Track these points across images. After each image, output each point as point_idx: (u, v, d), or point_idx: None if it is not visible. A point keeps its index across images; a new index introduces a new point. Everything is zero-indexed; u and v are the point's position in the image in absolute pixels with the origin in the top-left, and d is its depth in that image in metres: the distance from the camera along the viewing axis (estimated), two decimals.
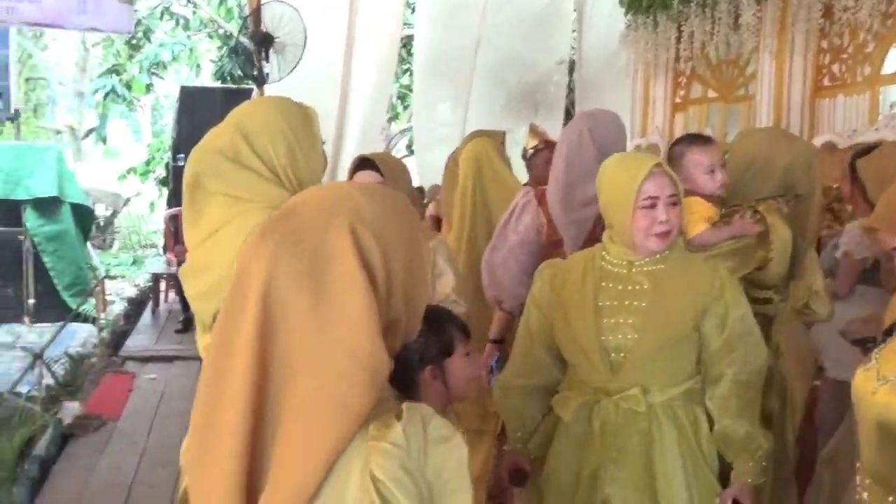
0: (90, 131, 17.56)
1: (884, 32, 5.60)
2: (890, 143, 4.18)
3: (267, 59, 7.91)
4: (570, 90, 10.18)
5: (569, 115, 10.22)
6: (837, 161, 5.43)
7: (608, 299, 2.32)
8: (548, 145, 4.28)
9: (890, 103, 5.66)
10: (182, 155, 10.70)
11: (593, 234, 2.96)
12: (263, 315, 1.13)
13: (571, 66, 10.05)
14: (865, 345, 2.23)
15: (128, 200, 15.73)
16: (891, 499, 1.40)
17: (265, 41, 7.80)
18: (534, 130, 4.78)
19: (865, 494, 1.48)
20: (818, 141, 5.86)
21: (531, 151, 4.43)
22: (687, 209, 2.58)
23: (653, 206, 2.24)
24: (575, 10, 9.90)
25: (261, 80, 7.98)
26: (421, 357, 1.98)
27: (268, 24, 7.81)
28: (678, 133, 8.10)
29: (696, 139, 3.07)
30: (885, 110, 5.78)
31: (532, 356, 2.49)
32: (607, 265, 2.35)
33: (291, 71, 7.78)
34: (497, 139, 4.40)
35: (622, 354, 2.27)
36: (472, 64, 9.80)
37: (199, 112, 10.58)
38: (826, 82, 6.25)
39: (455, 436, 1.19)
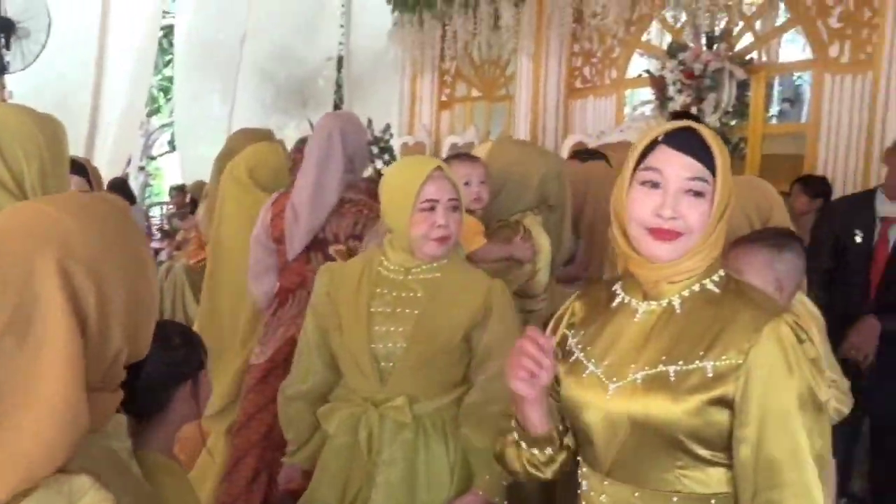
0: None
1: (628, 39, 6.02)
2: None
3: (8, 46, 7.27)
4: (339, 86, 10.18)
5: (337, 110, 10.21)
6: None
7: (381, 306, 2.24)
8: None
9: (633, 105, 6.06)
10: None
11: (315, 239, 3.05)
12: None
13: (340, 62, 10.04)
14: None
15: None
16: (636, 493, 1.46)
17: (6, 27, 7.17)
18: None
19: (603, 497, 1.52)
20: (570, 141, 6.22)
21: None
22: (469, 227, 2.63)
23: (432, 210, 2.20)
24: (343, 6, 9.90)
25: (1, 69, 7.33)
26: (183, 371, 1.86)
27: (7, 8, 7.20)
28: (445, 131, 8.33)
29: (459, 156, 3.17)
30: (629, 112, 6.19)
31: (308, 362, 2.39)
32: (384, 271, 2.28)
33: (35, 59, 7.21)
34: (268, 138, 4.26)
35: (391, 363, 2.21)
36: (238, 56, 9.55)
37: None
38: (578, 84, 6.64)
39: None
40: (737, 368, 1.36)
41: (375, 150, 8.63)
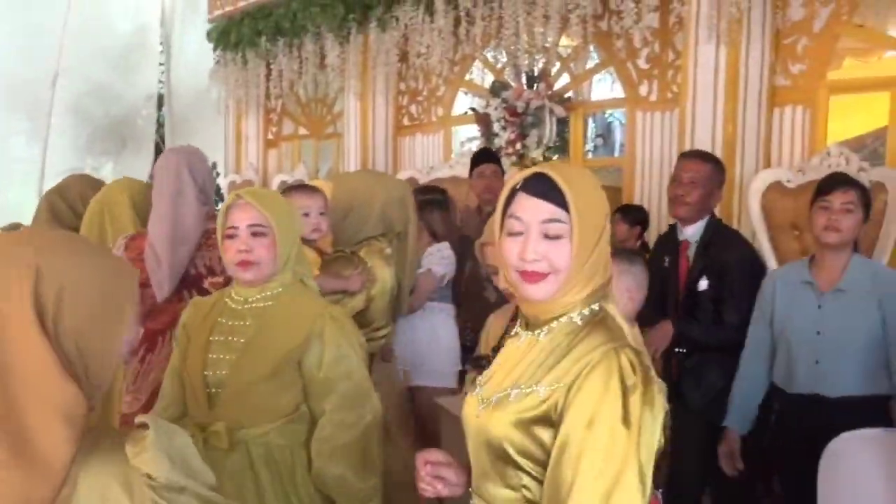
0: None
1: (452, 78, 6.20)
2: None
3: None
4: (160, 125, 9.88)
5: (158, 150, 9.90)
6: None
7: (218, 334, 2.30)
8: None
9: (460, 142, 6.24)
10: None
11: (186, 276, 2.94)
12: None
13: (160, 101, 9.76)
14: (480, 363, 2.31)
15: None
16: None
17: None
18: None
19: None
20: (402, 176, 6.30)
21: None
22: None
23: (232, 237, 2.25)
24: (162, 44, 9.65)
25: None
26: None
27: None
28: (272, 169, 8.25)
29: (296, 187, 3.21)
30: (457, 148, 6.36)
31: (165, 388, 2.42)
32: (230, 301, 2.34)
33: None
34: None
35: (217, 390, 2.25)
36: (50, 95, 9.10)
37: None
38: (406, 122, 6.76)
39: (179, 429, 1.27)
40: (560, 390, 1.43)
41: None
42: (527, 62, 5.44)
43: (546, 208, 1.47)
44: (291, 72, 7.27)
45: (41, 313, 1.14)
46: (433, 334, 3.77)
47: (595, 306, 1.53)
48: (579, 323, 1.51)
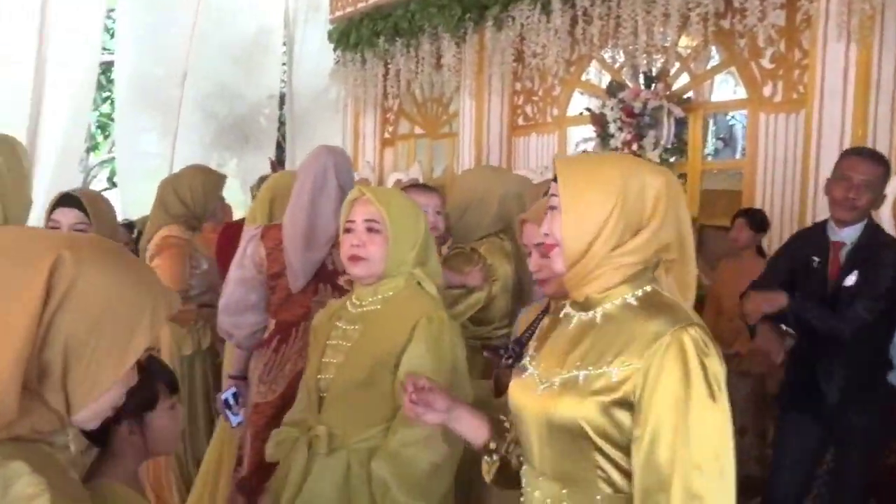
0: None
1: (568, 78, 6.13)
2: None
3: None
4: (282, 123, 10.15)
5: (280, 148, 10.17)
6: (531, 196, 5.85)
7: (334, 339, 2.30)
8: None
9: (576, 142, 6.16)
10: None
11: (323, 271, 2.96)
12: None
13: (282, 100, 10.02)
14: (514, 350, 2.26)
15: None
16: (564, 491, 1.55)
17: None
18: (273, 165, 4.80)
19: (539, 494, 1.60)
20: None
21: None
22: None
23: (350, 231, 2.25)
24: (285, 44, 9.91)
25: None
26: (117, 411, 1.83)
27: None
28: (388, 167, 8.35)
29: (415, 186, 3.19)
30: (571, 149, 6.28)
31: (300, 392, 2.44)
32: (349, 305, 2.33)
33: None
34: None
35: (324, 394, 2.25)
36: (179, 93, 9.47)
37: None
38: (521, 122, 6.73)
39: (41, 496, 1.08)
40: (636, 373, 1.45)
41: None
42: (645, 62, 5.34)
43: (553, 186, 1.61)
44: (408, 71, 7.34)
45: (47, 296, 1.10)
46: None
47: (647, 287, 1.56)
48: (636, 304, 1.55)
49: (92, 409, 1.18)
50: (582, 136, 6.08)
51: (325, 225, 2.90)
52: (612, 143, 5.42)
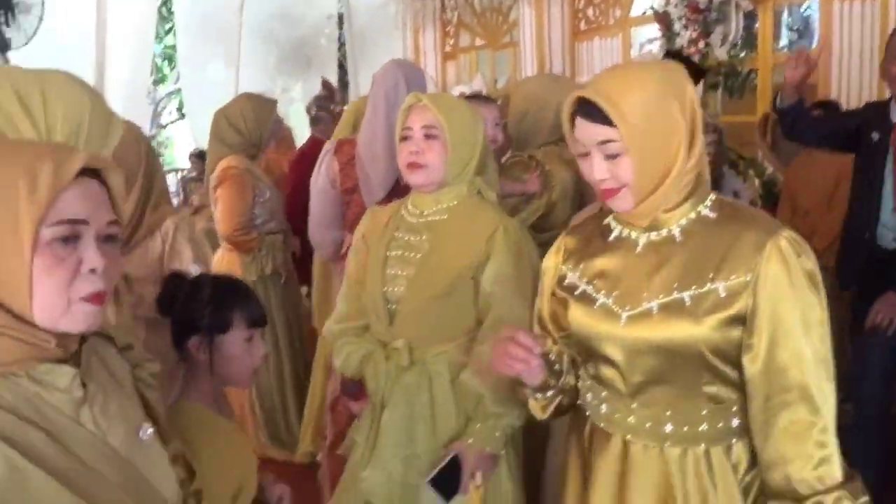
0: None
1: None
2: None
3: (8, 23, 7.22)
4: (342, 44, 10.06)
5: (342, 69, 10.11)
6: None
7: (395, 249, 2.25)
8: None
9: (640, 44, 5.97)
10: None
11: (397, 185, 2.93)
12: None
13: (341, 20, 9.92)
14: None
15: None
16: (668, 413, 1.55)
17: (4, 4, 7.12)
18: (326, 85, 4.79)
19: (634, 419, 1.58)
20: (580, 82, 6.13)
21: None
22: None
23: (407, 139, 2.20)
24: None
25: (3, 46, 7.29)
26: (189, 323, 1.88)
27: None
28: (451, 81, 8.24)
29: (473, 97, 3.12)
30: (636, 51, 6.10)
31: (349, 302, 2.39)
32: (406, 214, 2.28)
33: (34, 34, 7.16)
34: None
35: (396, 306, 2.21)
36: (238, 20, 9.46)
37: None
38: (583, 26, 6.54)
39: None
40: (746, 286, 1.45)
41: None
42: None
43: (597, 130, 1.48)
44: None
45: None
46: None
47: (712, 196, 1.56)
48: (713, 216, 1.54)
49: (39, 305, 1.09)
50: (646, 37, 5.88)
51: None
52: (678, 41, 5.24)
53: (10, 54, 7.32)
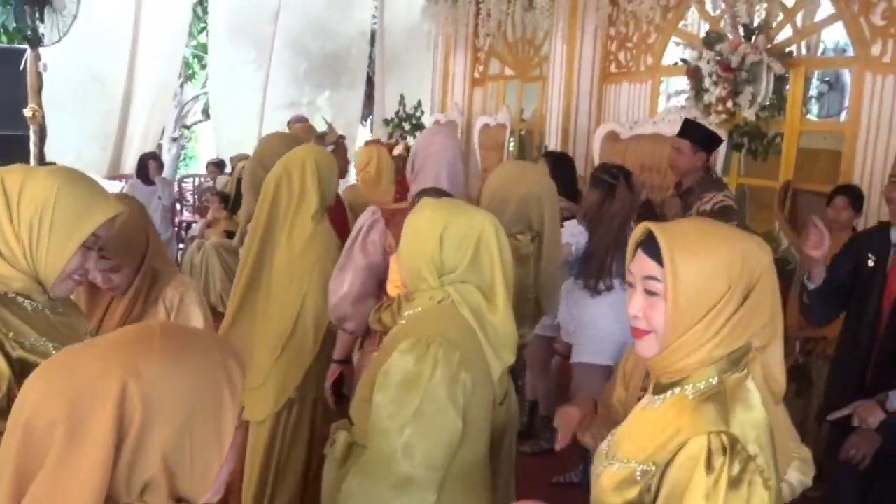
0: None
1: (664, 25, 5.90)
2: None
3: (42, 19, 7.29)
4: (371, 60, 10.11)
5: (369, 84, 10.15)
6: (619, 150, 5.71)
7: None
8: (342, 142, 4.27)
9: (668, 95, 5.95)
10: None
11: None
12: (23, 443, 1.08)
13: (372, 38, 9.97)
14: None
15: None
16: None
17: (39, 1, 7.19)
18: (331, 128, 4.74)
19: None
20: (603, 130, 6.12)
21: (330, 147, 4.31)
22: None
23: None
24: None
25: (36, 42, 7.36)
26: None
27: None
28: (477, 109, 8.25)
29: (437, 192, 3.00)
30: (663, 102, 6.09)
31: None
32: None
33: (68, 31, 7.22)
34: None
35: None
36: (273, 28, 9.53)
37: None
38: (613, 69, 6.53)
39: None
40: (656, 475, 1.39)
41: (407, 126, 8.60)
42: (746, 12, 5.08)
43: (647, 264, 1.43)
44: (499, 12, 7.20)
45: (120, 439, 1.08)
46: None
47: (713, 380, 1.43)
48: (690, 398, 1.43)
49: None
50: (675, 88, 5.87)
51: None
52: (707, 97, 5.20)
53: (42, 50, 7.38)
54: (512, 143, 7.62)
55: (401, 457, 1.88)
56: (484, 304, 2.04)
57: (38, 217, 1.61)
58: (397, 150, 3.80)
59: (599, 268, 3.74)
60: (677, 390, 1.45)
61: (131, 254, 2.26)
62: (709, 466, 1.33)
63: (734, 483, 1.33)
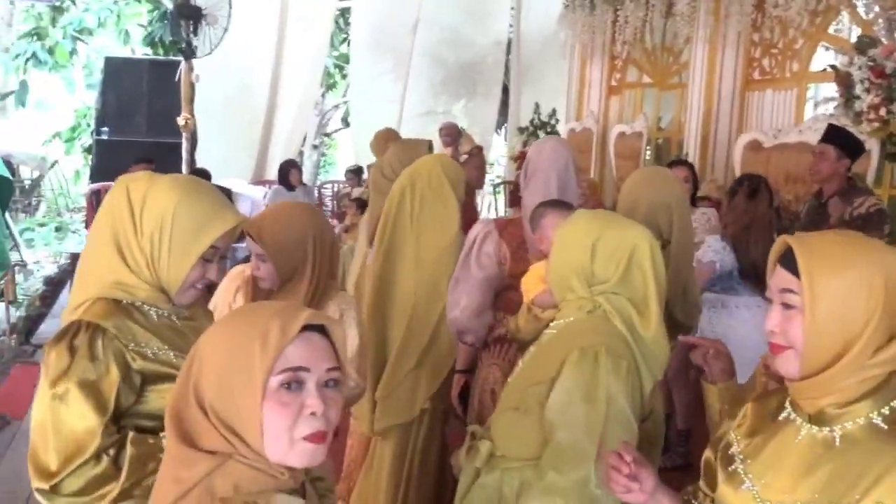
0: (7, 94, 16.63)
1: (812, 31, 5.67)
2: None
3: (196, 32, 7.69)
4: (507, 69, 10.16)
5: (505, 92, 10.20)
6: (761, 160, 5.52)
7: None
8: (478, 152, 4.23)
9: (815, 102, 5.72)
10: (105, 128, 10.45)
11: None
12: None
13: (508, 47, 10.01)
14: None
15: (54, 164, 15.17)
16: None
17: (194, 14, 7.59)
18: (466, 137, 4.73)
19: None
20: (744, 138, 5.93)
21: (464, 157, 4.35)
22: (534, 272, 2.59)
23: None
24: None
25: (189, 54, 7.77)
26: None
27: None
28: (613, 118, 8.16)
29: (557, 204, 2.98)
30: (810, 109, 5.85)
31: None
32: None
33: (219, 44, 7.59)
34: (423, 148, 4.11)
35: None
36: (411, 40, 9.72)
37: (124, 84, 10.36)
38: (756, 76, 6.33)
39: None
40: None
41: (542, 135, 8.60)
42: None
43: (785, 277, 1.37)
44: (637, 18, 7.11)
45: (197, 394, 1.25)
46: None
47: (894, 403, 1.32)
48: (884, 426, 1.30)
49: (268, 443, 1.27)
50: (823, 95, 5.63)
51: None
52: (858, 105, 4.97)
53: (194, 62, 7.77)
54: (648, 152, 7.50)
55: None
56: (636, 317, 2.02)
57: (160, 230, 1.68)
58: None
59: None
60: (860, 420, 1.34)
61: (283, 256, 2.31)
62: None
63: None
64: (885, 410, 1.32)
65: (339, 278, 2.71)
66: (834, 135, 4.06)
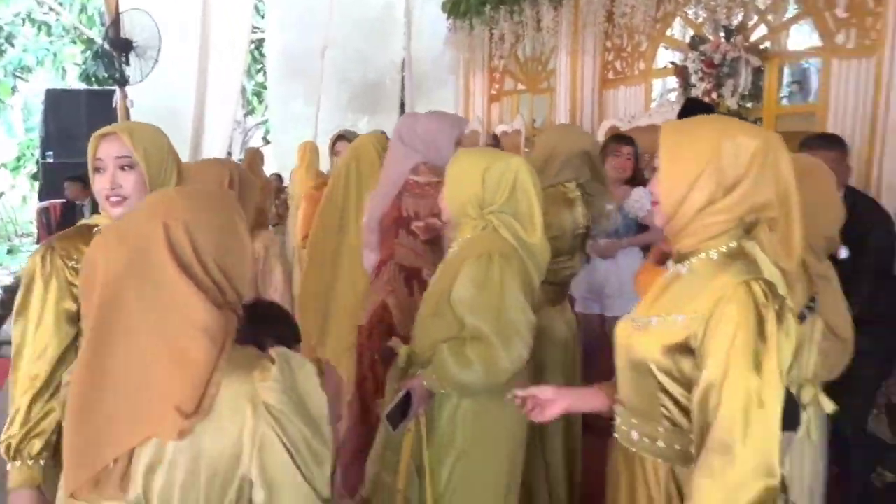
0: None
1: (654, 34, 5.86)
2: None
3: (128, 62, 7.42)
4: (403, 86, 10.14)
5: (403, 108, 10.18)
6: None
7: None
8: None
9: (660, 93, 5.90)
10: (50, 153, 10.10)
11: (401, 216, 2.98)
12: (104, 295, 1.23)
13: (404, 66, 10.00)
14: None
15: (1, 194, 14.50)
16: (634, 420, 1.55)
17: (125, 46, 7.32)
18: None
19: (619, 420, 1.60)
20: (605, 125, 6.09)
21: None
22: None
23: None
24: (405, 16, 9.85)
25: (123, 82, 7.48)
26: (264, 342, 1.84)
27: (127, 30, 7.34)
28: (495, 120, 8.25)
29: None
30: (656, 98, 6.03)
31: None
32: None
33: (149, 73, 7.34)
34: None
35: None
36: (320, 64, 9.58)
37: (64, 113, 10.03)
38: (611, 76, 6.49)
39: (307, 363, 1.33)
40: (698, 321, 1.39)
41: None
42: (725, 16, 5.04)
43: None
44: (511, 35, 7.21)
45: (178, 256, 1.24)
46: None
47: (733, 244, 1.46)
48: (715, 258, 1.46)
49: None
50: (666, 87, 5.82)
51: (385, 185, 2.96)
52: (693, 92, 5.17)
53: (128, 89, 7.51)
54: (527, 149, 7.60)
55: (499, 344, 2.01)
56: (521, 229, 2.10)
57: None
58: None
59: None
60: (702, 255, 1.48)
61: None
62: (756, 306, 1.34)
63: (779, 318, 1.35)
64: (723, 249, 1.47)
65: (267, 222, 2.68)
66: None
